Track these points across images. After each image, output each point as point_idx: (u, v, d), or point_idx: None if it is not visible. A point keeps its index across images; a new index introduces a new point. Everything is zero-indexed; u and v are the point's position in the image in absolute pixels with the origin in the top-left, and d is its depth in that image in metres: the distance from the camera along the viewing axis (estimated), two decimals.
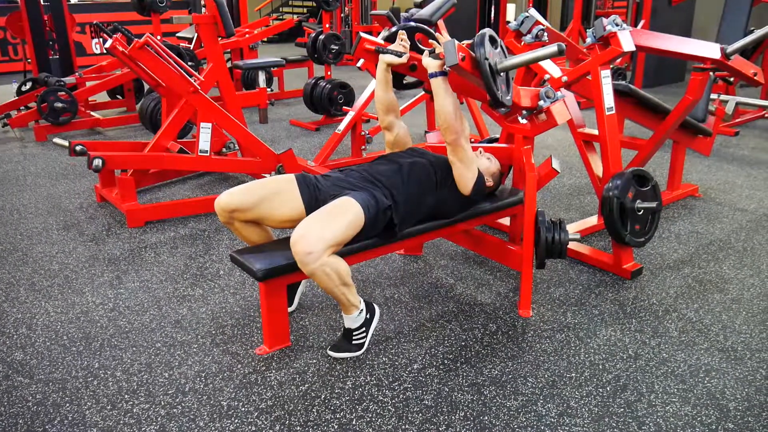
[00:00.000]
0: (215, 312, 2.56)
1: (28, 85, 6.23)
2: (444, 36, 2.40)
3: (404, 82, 3.05)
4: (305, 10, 15.90)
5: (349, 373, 2.14)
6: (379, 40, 2.71)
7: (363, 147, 4.70)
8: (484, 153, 2.63)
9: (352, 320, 2.22)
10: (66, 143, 3.68)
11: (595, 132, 3.07)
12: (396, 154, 2.50)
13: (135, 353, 2.27)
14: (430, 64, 2.28)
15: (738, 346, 2.29)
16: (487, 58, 2.13)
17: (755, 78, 3.12)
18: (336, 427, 1.89)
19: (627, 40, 2.72)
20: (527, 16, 3.12)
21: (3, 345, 2.34)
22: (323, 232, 2.02)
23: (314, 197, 2.25)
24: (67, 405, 1.99)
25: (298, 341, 2.33)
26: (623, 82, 3.45)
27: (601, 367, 2.18)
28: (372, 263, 2.98)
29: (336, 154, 4.79)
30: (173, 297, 2.70)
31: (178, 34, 7.30)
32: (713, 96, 4.53)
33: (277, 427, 1.89)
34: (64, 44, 6.94)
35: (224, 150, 4.30)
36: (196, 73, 3.91)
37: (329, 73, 6.21)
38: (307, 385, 2.08)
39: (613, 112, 2.83)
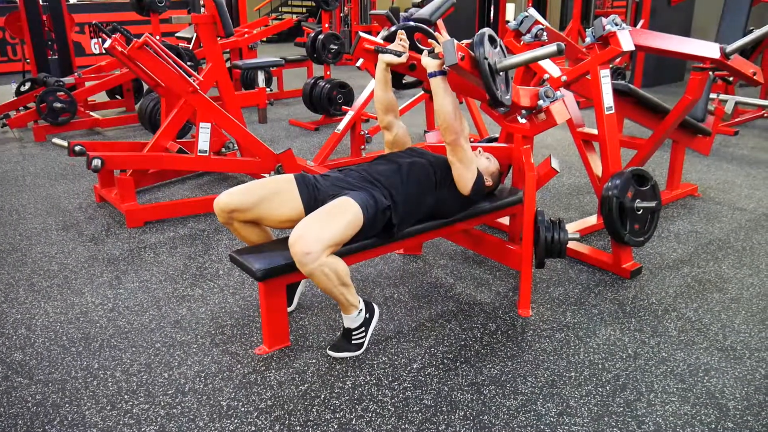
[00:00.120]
0: (215, 312, 2.56)
1: (27, 85, 6.22)
2: (443, 35, 2.39)
3: (403, 81, 3.05)
4: (304, 9, 15.90)
5: (349, 373, 2.14)
6: (379, 39, 2.70)
7: (362, 147, 4.70)
8: (483, 153, 2.63)
9: (352, 320, 2.22)
10: (65, 143, 3.68)
11: (595, 131, 3.07)
12: (395, 154, 2.50)
13: (134, 353, 2.27)
14: (429, 63, 2.28)
15: (737, 346, 2.29)
16: (486, 58, 2.13)
17: (754, 77, 3.12)
18: (336, 426, 1.89)
19: (626, 40, 2.72)
20: (526, 16, 3.12)
21: (2, 346, 2.34)
22: (321, 232, 2.02)
23: (313, 197, 2.25)
24: (67, 405, 1.99)
25: (297, 341, 2.33)
26: (622, 82, 3.46)
27: (600, 366, 2.18)
28: (371, 263, 2.98)
29: (335, 154, 4.78)
30: (173, 297, 2.69)
31: (177, 34, 7.29)
32: (712, 95, 4.53)
33: (277, 427, 1.89)
34: (63, 44, 6.93)
35: (223, 150, 4.30)
36: (195, 73, 3.90)
37: (328, 72, 6.21)
38: (306, 385, 2.08)
39: (613, 111, 2.84)
